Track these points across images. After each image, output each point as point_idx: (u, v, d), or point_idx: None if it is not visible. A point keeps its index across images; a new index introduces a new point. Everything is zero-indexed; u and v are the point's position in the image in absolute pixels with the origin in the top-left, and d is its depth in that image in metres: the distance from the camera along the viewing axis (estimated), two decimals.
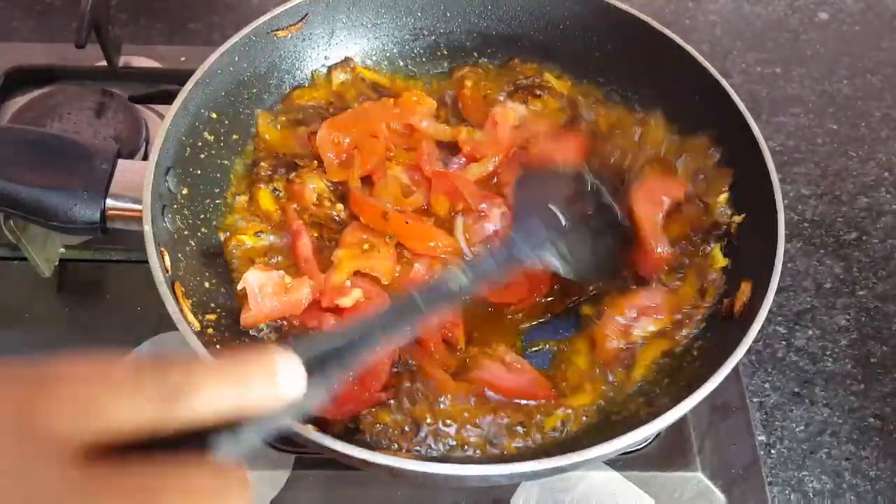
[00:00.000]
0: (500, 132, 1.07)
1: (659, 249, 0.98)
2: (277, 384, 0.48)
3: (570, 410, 0.90)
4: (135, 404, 0.43)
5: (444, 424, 0.88)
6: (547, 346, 0.99)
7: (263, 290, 0.92)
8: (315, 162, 1.04)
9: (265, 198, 1.01)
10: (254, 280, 0.92)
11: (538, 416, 0.90)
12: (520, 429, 0.88)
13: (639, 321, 0.95)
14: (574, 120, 1.11)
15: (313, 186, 1.02)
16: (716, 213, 1.02)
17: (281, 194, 1.02)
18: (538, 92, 1.14)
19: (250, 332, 0.93)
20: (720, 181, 1.03)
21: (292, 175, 1.02)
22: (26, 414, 0.41)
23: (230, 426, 0.46)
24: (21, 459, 0.40)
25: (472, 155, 1.07)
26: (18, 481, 0.40)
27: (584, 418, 0.90)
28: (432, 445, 0.87)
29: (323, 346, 0.56)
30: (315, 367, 0.52)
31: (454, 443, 0.87)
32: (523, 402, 0.90)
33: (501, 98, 1.13)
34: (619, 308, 0.95)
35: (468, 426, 0.88)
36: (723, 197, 1.03)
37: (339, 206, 1.02)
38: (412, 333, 0.72)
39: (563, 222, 0.92)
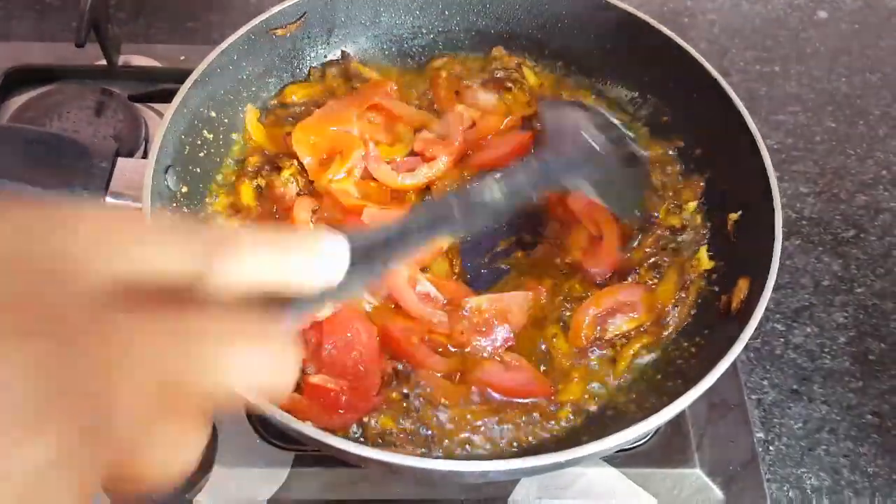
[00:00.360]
0: (452, 132, 1.09)
1: (594, 270, 1.01)
2: (320, 257, 0.46)
3: (568, 406, 0.91)
4: (167, 251, 0.40)
5: (449, 427, 0.88)
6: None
7: None
8: (295, 161, 1.04)
9: (247, 192, 1.01)
10: None
11: (538, 413, 0.90)
12: (521, 427, 0.89)
13: (614, 317, 0.96)
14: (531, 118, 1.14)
15: (294, 188, 1.02)
16: (683, 219, 1.04)
17: (263, 192, 1.03)
18: (509, 84, 1.15)
19: None
20: (689, 190, 1.06)
21: (273, 177, 1.02)
22: (52, 249, 0.37)
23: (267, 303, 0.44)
24: (49, 302, 0.36)
25: (424, 154, 1.08)
26: (46, 326, 0.35)
27: (584, 415, 0.91)
28: (438, 448, 0.87)
29: (368, 238, 0.55)
30: (358, 256, 0.51)
31: (459, 444, 0.88)
32: (523, 400, 0.91)
33: (474, 86, 1.16)
34: (596, 301, 0.96)
35: (471, 427, 0.89)
36: (692, 205, 1.05)
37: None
38: (445, 238, 0.69)
39: (596, 149, 0.92)
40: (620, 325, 0.96)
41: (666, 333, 0.96)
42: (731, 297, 0.91)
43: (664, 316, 0.97)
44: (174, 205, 0.94)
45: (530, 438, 0.89)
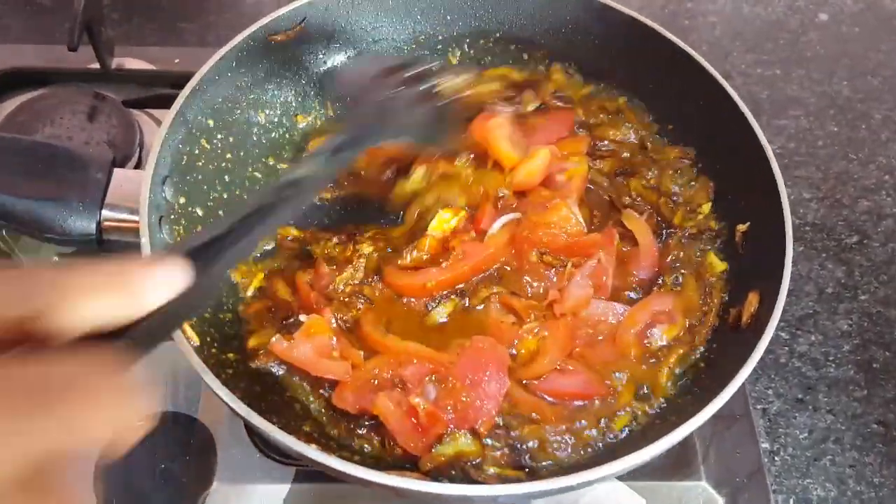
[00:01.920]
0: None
1: (642, 273, 1.01)
2: (159, 287, 0.50)
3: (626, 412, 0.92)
4: (5, 292, 0.44)
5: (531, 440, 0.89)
6: None
7: (309, 338, 0.91)
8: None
9: (282, 288, 1.00)
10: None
11: (604, 419, 0.91)
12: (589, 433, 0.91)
13: (654, 328, 0.96)
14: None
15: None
16: (699, 222, 1.03)
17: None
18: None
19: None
20: (702, 192, 1.05)
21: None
22: None
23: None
24: None
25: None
26: None
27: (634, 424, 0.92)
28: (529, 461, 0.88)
29: (202, 238, 0.59)
30: (203, 256, 0.56)
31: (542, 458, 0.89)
32: (582, 402, 0.92)
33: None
34: (632, 320, 0.95)
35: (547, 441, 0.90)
36: (706, 207, 1.04)
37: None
38: (284, 219, 0.72)
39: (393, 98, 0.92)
40: (661, 335, 0.95)
41: (697, 339, 0.95)
42: (741, 310, 0.90)
43: (696, 322, 0.96)
44: (172, 216, 0.92)
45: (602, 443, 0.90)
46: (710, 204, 1.04)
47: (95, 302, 0.46)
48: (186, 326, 0.83)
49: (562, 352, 0.93)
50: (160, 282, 0.50)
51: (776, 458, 1.08)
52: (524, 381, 0.92)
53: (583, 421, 0.91)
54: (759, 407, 1.11)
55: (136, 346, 0.49)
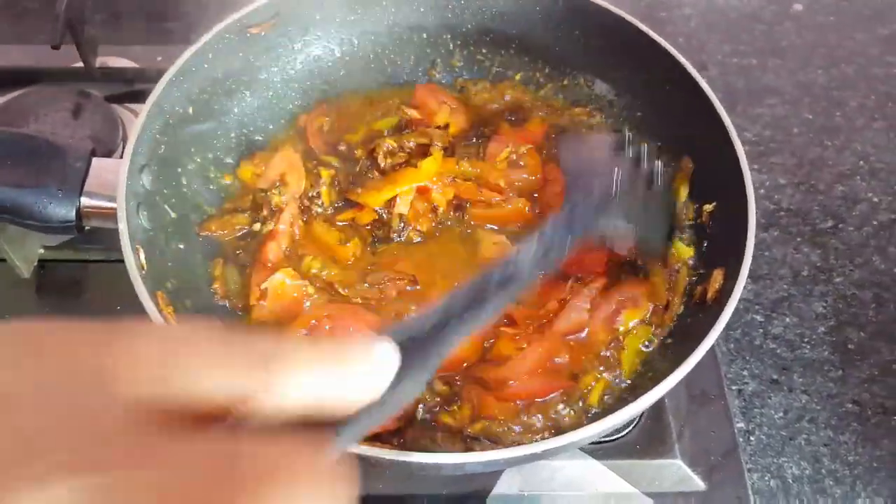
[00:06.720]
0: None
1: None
2: (376, 368, 0.44)
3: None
4: (216, 373, 0.38)
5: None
6: None
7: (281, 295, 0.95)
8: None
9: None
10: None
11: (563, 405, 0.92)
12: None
13: (620, 314, 0.97)
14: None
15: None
16: (678, 209, 1.04)
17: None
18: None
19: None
20: (679, 176, 1.06)
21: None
22: (96, 372, 0.37)
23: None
24: (87, 423, 0.35)
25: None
26: (84, 448, 0.35)
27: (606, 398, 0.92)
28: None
29: (413, 331, 0.51)
30: (404, 355, 0.47)
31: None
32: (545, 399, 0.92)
33: None
34: (599, 311, 0.97)
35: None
36: (684, 192, 1.05)
37: None
38: (491, 318, 0.63)
39: (616, 188, 0.90)
40: (626, 319, 0.96)
41: (665, 320, 0.96)
42: (707, 287, 0.92)
43: (662, 306, 0.98)
44: (150, 203, 0.94)
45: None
46: (686, 191, 1.05)
47: (310, 385, 0.41)
48: (165, 309, 0.84)
49: (532, 369, 0.93)
50: (377, 368, 0.44)
51: (751, 438, 1.09)
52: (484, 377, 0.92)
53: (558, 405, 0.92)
54: (734, 388, 1.13)
55: (341, 437, 0.43)
